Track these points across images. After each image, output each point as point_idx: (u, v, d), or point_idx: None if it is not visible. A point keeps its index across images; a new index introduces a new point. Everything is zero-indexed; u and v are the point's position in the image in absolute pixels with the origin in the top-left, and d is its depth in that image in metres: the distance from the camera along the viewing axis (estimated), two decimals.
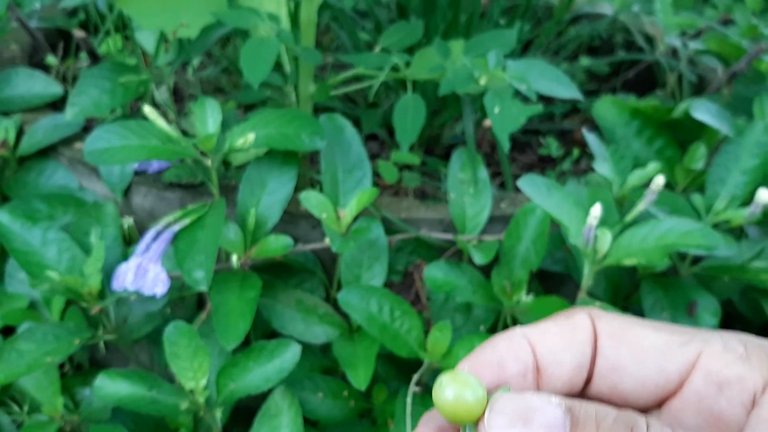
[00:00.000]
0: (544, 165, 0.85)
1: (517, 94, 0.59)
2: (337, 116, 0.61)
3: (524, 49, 1.06)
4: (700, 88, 0.87)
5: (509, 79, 0.58)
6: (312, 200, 0.55)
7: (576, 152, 0.81)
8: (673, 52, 0.91)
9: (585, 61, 1.05)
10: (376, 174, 0.71)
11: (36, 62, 0.86)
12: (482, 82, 0.59)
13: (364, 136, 0.85)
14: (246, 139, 0.53)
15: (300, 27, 0.64)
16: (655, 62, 0.97)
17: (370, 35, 0.85)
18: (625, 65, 1.07)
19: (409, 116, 0.59)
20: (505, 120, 0.56)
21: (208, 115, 0.56)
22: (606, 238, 0.50)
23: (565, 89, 0.61)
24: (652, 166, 0.58)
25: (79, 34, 0.68)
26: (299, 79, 0.66)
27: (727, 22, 0.99)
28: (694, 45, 0.87)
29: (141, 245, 0.53)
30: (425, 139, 0.90)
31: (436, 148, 0.92)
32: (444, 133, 0.92)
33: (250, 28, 0.58)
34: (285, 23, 0.64)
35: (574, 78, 1.07)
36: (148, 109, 0.54)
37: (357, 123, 0.89)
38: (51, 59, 0.78)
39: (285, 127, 0.56)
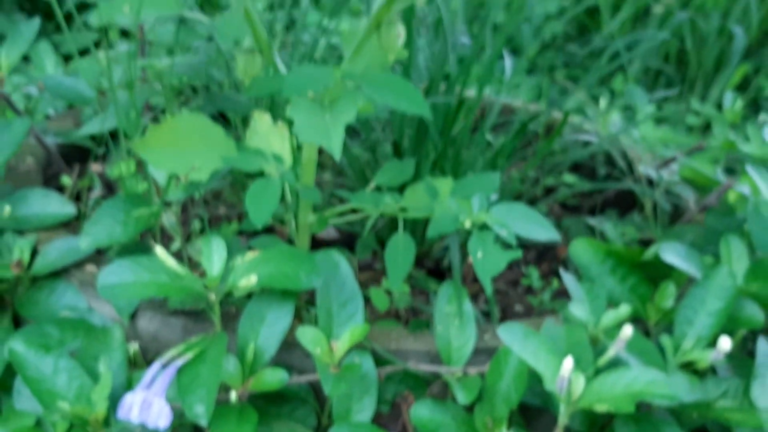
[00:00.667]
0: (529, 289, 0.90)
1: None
2: (332, 253, 0.66)
3: (513, 152, 1.12)
4: (675, 215, 0.93)
5: (492, 223, 0.63)
6: (307, 336, 0.59)
7: (555, 283, 0.86)
8: (650, 182, 0.97)
9: (568, 178, 1.12)
10: (367, 298, 0.75)
11: (51, 175, 0.92)
12: (467, 225, 0.64)
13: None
14: (249, 280, 0.58)
15: (302, 164, 0.69)
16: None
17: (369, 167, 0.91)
18: (607, 179, 1.14)
19: (399, 255, 0.64)
20: (487, 264, 0.61)
21: (214, 253, 0.61)
22: (579, 383, 0.54)
23: (545, 232, 0.66)
24: (624, 308, 0.63)
25: (96, 167, 0.73)
26: (299, 210, 0.71)
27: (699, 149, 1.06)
28: (668, 175, 0.93)
29: (146, 377, 0.57)
30: (416, 254, 0.95)
31: (426, 260, 0.96)
32: (434, 246, 0.97)
33: (257, 170, 0.64)
34: (288, 160, 0.70)
35: (557, 194, 1.14)
36: (159, 250, 0.59)
37: (351, 238, 0.94)
38: (66, 179, 0.83)
39: (284, 266, 0.61)
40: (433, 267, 0.95)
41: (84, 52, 1.60)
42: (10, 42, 0.87)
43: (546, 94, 1.65)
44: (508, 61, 1.14)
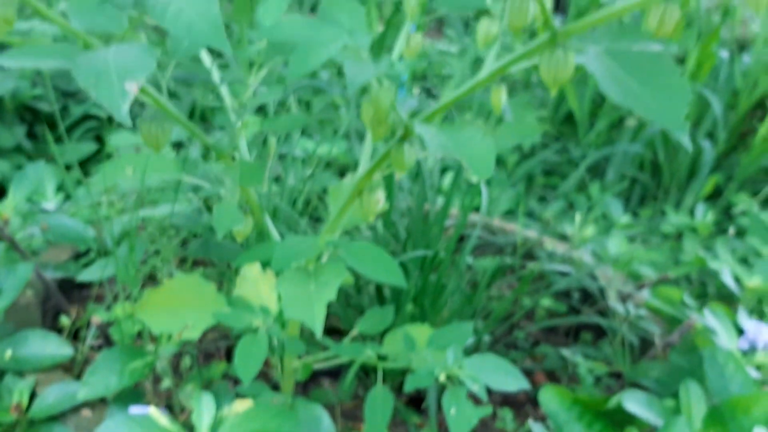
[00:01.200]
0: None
1: None
2: (315, 407, 0.70)
3: (493, 276, 1.18)
4: (644, 347, 0.98)
5: (464, 378, 0.68)
6: None
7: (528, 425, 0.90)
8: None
9: (546, 301, 1.17)
10: None
11: (49, 308, 0.96)
12: (441, 378, 0.69)
13: None
14: None
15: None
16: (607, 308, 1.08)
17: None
18: (582, 302, 1.19)
19: (378, 409, 0.68)
20: (459, 421, 0.65)
21: (203, 410, 0.65)
22: None
23: (515, 382, 0.70)
24: None
25: (96, 320, 0.78)
26: (285, 355, 0.76)
27: (665, 279, 1.12)
28: (635, 307, 0.98)
29: None
30: (394, 383, 0.99)
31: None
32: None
33: (245, 327, 0.69)
34: (275, 309, 0.75)
35: (536, 310, 1.19)
36: (153, 410, 0.63)
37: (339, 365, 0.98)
38: (64, 320, 0.87)
39: (269, 423, 0.65)
40: (413, 394, 0.99)
41: (84, 163, 1.67)
42: (16, 185, 0.94)
43: (524, 205, 1.72)
44: (484, 191, 1.21)
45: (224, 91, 0.69)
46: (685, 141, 0.40)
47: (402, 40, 0.76)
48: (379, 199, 0.72)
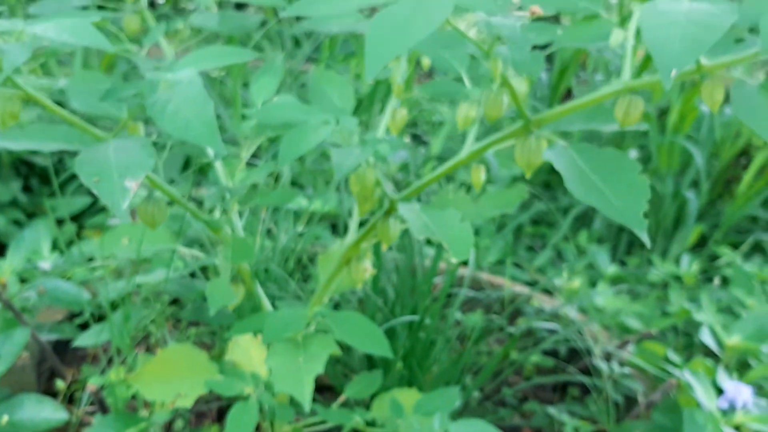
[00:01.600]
0: None
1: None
2: None
3: (482, 333, 1.20)
4: (629, 405, 1.00)
5: None
6: None
7: None
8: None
9: (534, 357, 1.19)
10: None
11: (45, 370, 0.98)
12: None
13: None
14: None
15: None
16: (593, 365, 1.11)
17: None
18: (569, 358, 1.21)
19: None
20: None
21: None
22: None
23: None
24: None
25: (91, 387, 0.80)
26: (275, 421, 0.78)
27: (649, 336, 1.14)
28: (619, 366, 1.00)
29: None
30: None
31: None
32: None
33: (237, 394, 0.71)
34: (266, 376, 0.77)
35: (524, 367, 1.21)
36: None
37: None
38: (60, 383, 0.89)
39: None
40: None
41: (76, 217, 1.69)
42: (14, 248, 0.96)
43: (513, 257, 1.75)
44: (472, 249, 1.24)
45: (218, 166, 0.72)
46: (644, 237, 0.43)
47: (388, 115, 0.80)
48: (366, 268, 0.75)
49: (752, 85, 0.42)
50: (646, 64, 0.88)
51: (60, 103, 0.61)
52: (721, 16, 0.38)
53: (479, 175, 0.65)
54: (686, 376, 0.86)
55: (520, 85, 0.64)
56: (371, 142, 0.64)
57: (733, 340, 0.99)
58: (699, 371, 0.88)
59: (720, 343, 1.01)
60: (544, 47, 0.62)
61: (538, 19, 0.64)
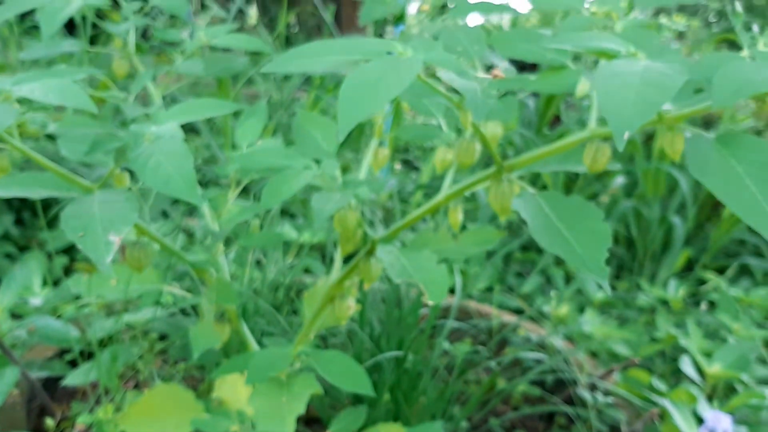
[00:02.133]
0: None
1: None
2: None
3: (469, 362, 1.22)
4: None
5: None
6: None
7: None
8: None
9: (521, 387, 1.21)
10: None
11: (35, 407, 0.99)
12: None
13: None
14: None
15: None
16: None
17: None
18: (555, 387, 1.23)
19: None
20: None
21: None
22: None
23: None
24: None
25: (80, 427, 0.81)
26: None
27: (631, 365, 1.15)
28: (604, 396, 1.02)
29: None
30: None
31: None
32: None
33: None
34: (251, 414, 0.78)
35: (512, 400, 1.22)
36: None
37: None
38: (49, 422, 0.90)
39: None
40: None
41: (68, 250, 1.71)
42: (5, 286, 0.97)
43: (502, 284, 1.77)
44: (458, 279, 1.26)
45: (205, 209, 0.74)
46: (605, 285, 0.45)
47: (370, 154, 0.82)
48: (350, 306, 0.77)
49: (708, 138, 0.44)
50: None
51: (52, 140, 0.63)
52: (674, 77, 0.41)
53: (456, 217, 0.67)
54: (667, 405, 0.87)
55: (496, 128, 0.67)
56: (351, 185, 0.66)
57: (714, 368, 1.00)
58: (679, 400, 0.90)
59: (701, 371, 1.03)
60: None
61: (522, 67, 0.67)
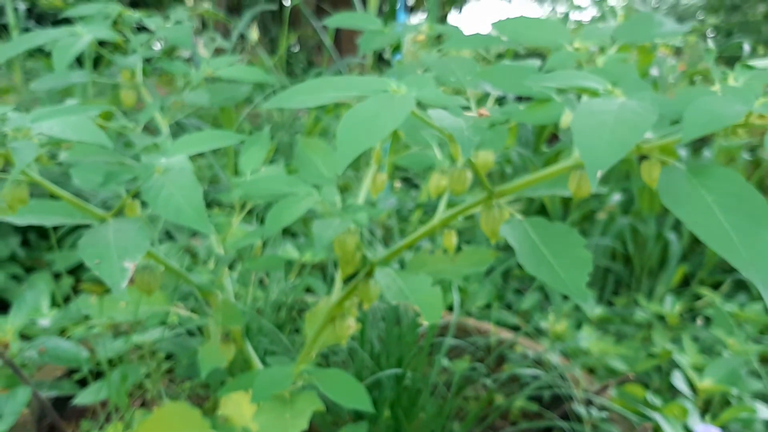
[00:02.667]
0: None
1: None
2: None
3: (468, 379, 1.25)
4: None
5: None
6: None
7: None
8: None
9: (519, 402, 1.23)
10: None
11: (45, 426, 1.01)
12: None
13: None
14: None
15: None
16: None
17: None
18: (552, 402, 1.25)
19: None
20: None
21: None
22: None
23: None
24: None
25: None
26: None
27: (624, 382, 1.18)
28: (599, 410, 1.04)
29: None
30: None
31: None
32: None
33: None
34: (255, 428, 0.81)
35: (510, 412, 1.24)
36: None
37: None
38: None
39: None
40: None
41: (73, 270, 1.74)
42: (16, 308, 1.00)
43: (500, 301, 1.80)
44: (456, 296, 1.29)
45: (211, 233, 0.77)
46: (588, 307, 0.48)
47: (368, 179, 0.85)
48: (350, 325, 0.80)
49: (680, 168, 0.48)
50: None
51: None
52: (646, 116, 0.44)
53: (451, 240, 0.71)
54: (658, 420, 0.90)
55: (487, 156, 0.70)
56: (350, 210, 0.70)
57: (705, 383, 1.03)
58: (671, 414, 0.92)
59: (692, 386, 1.05)
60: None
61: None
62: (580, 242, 0.51)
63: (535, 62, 0.72)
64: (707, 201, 0.43)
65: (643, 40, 0.60)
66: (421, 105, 0.51)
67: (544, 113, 0.59)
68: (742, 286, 2.08)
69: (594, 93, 0.49)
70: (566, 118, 0.58)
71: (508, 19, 0.64)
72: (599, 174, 0.39)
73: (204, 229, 0.49)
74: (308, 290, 1.48)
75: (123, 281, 0.49)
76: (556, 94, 0.60)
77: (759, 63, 0.54)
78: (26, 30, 3.03)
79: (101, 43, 0.98)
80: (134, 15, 0.90)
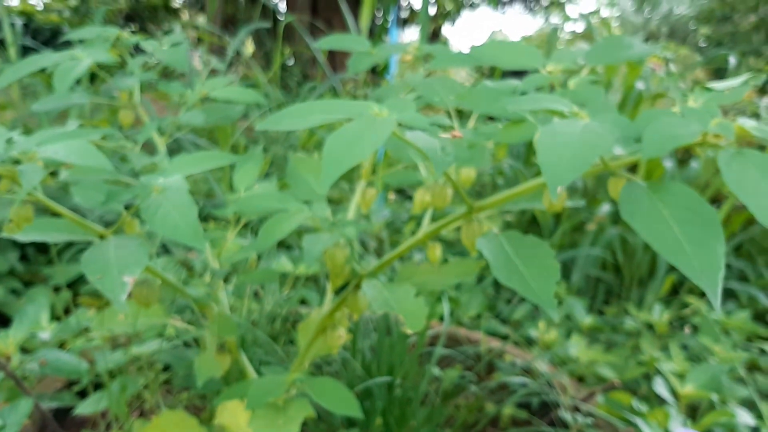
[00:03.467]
0: None
1: None
2: None
3: (458, 387, 1.28)
4: None
5: None
6: None
7: None
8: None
9: (508, 410, 1.26)
10: None
11: None
12: None
13: None
14: None
15: None
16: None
17: None
18: (541, 409, 1.28)
19: None
20: None
21: None
22: None
23: None
24: None
25: None
26: None
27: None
28: (584, 418, 1.08)
29: None
30: None
31: None
32: None
33: None
34: None
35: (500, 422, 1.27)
36: None
37: None
38: None
39: None
40: None
41: (72, 284, 1.76)
42: (18, 322, 1.03)
43: (491, 311, 1.83)
44: (446, 306, 1.32)
45: (206, 248, 0.81)
46: (553, 314, 0.52)
47: (358, 194, 0.89)
48: (341, 335, 0.83)
49: (641, 185, 0.51)
50: None
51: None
52: (606, 136, 0.48)
53: (435, 253, 0.74)
54: (640, 425, 0.93)
55: (469, 172, 0.74)
56: (340, 225, 0.73)
57: (687, 388, 1.06)
58: (653, 420, 0.95)
59: (674, 392, 1.09)
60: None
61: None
62: (549, 254, 0.54)
63: (515, 82, 0.76)
64: (663, 214, 0.47)
65: (613, 62, 0.64)
66: (402, 126, 0.55)
67: (519, 133, 0.62)
68: (730, 294, 2.12)
69: (561, 115, 0.52)
70: (538, 137, 0.62)
71: (485, 44, 0.68)
72: (560, 189, 0.43)
73: (199, 245, 0.52)
74: (302, 302, 1.52)
75: (123, 295, 0.52)
76: (529, 114, 0.63)
77: (717, 85, 0.58)
78: (24, 47, 3.08)
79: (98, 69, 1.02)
80: (131, 38, 0.94)
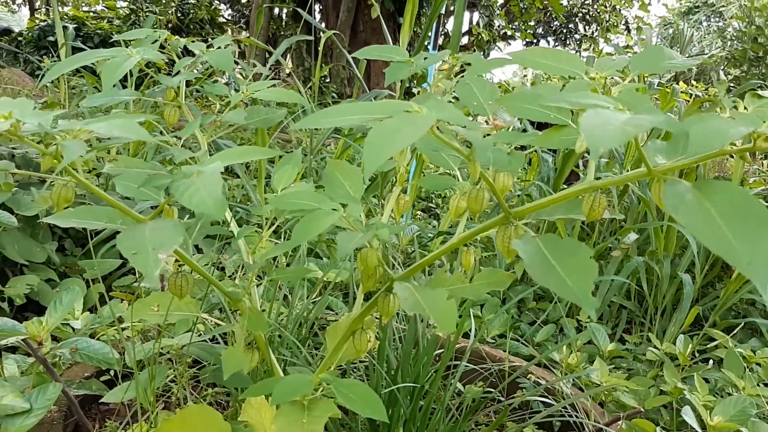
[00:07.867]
0: None
1: None
2: None
3: (481, 403, 1.27)
4: None
5: None
6: None
7: None
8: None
9: (528, 430, 1.25)
10: None
11: (70, 422, 1.06)
12: None
13: None
14: None
15: None
16: None
17: None
18: (561, 430, 1.27)
19: None
20: None
21: None
22: None
23: None
24: None
25: None
26: None
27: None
28: None
29: None
30: None
31: None
32: None
33: None
34: None
35: None
36: None
37: None
38: None
39: None
40: None
41: (105, 278, 1.79)
42: (52, 309, 1.05)
43: (515, 331, 1.82)
44: (473, 323, 1.32)
45: (240, 244, 0.82)
46: (592, 313, 0.51)
47: (393, 200, 0.89)
48: (369, 339, 0.83)
49: (686, 184, 0.51)
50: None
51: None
52: (650, 120, 0.48)
53: (469, 258, 0.74)
54: None
55: (506, 180, 0.74)
56: (373, 227, 0.74)
57: (716, 420, 1.04)
58: None
59: (702, 423, 1.07)
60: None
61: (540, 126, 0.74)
62: (586, 253, 0.54)
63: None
64: (710, 210, 0.47)
65: (655, 71, 0.64)
66: (440, 130, 0.55)
67: (559, 138, 0.63)
68: (754, 331, 2.08)
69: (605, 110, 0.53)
70: (581, 143, 0.62)
71: (525, 50, 0.68)
72: (601, 151, 0.42)
73: (221, 217, 0.53)
74: (329, 308, 1.52)
75: (156, 270, 0.53)
76: (572, 121, 0.64)
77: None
78: (74, 48, 3.16)
79: (145, 68, 1.04)
80: (180, 40, 0.96)
